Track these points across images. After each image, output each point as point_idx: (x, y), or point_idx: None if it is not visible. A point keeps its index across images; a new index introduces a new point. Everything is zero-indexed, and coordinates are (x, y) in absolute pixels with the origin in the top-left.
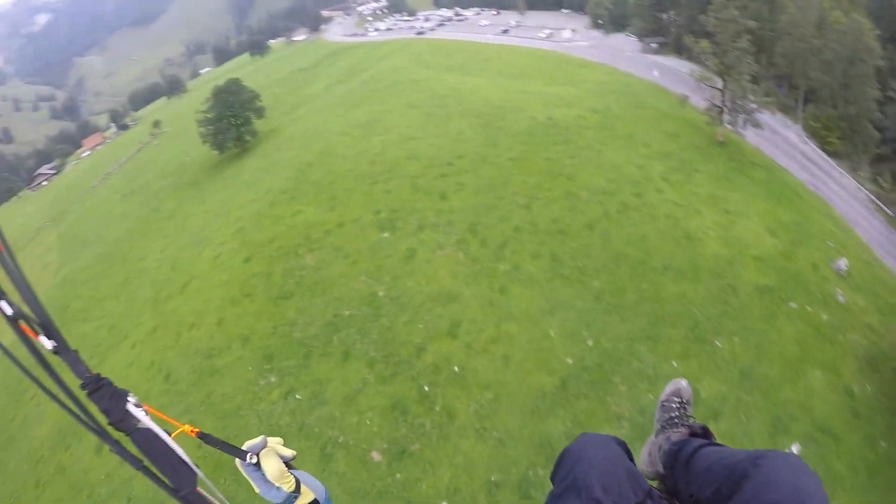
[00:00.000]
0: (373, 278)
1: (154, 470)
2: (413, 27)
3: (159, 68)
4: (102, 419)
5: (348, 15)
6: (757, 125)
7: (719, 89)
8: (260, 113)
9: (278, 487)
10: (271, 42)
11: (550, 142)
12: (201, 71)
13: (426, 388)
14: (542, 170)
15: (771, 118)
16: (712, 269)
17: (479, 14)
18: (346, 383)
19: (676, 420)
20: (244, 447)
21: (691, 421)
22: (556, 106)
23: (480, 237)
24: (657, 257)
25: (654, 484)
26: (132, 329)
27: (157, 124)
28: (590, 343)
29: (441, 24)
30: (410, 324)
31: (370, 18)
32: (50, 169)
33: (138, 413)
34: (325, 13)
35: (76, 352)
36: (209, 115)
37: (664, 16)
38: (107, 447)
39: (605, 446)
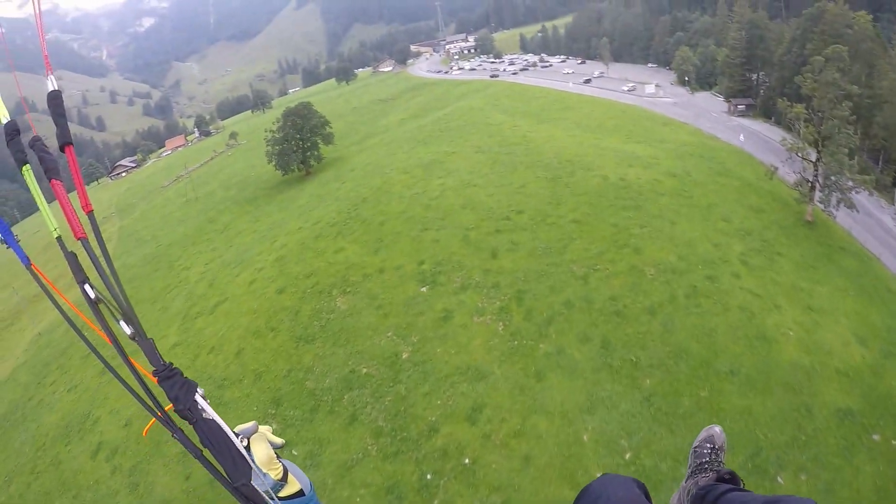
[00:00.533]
0: (400, 336)
1: (212, 460)
2: (497, 69)
3: (250, 82)
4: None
5: (436, 52)
6: (851, 206)
7: (812, 162)
8: (328, 139)
9: (265, 473)
10: (358, 71)
11: (620, 206)
12: (290, 90)
13: (429, 477)
14: (606, 237)
15: (865, 198)
16: (787, 381)
17: (564, 62)
18: (346, 449)
19: (706, 466)
20: (236, 430)
21: (721, 467)
22: (631, 166)
23: (526, 307)
24: (724, 358)
25: None
26: (155, 341)
27: (233, 135)
28: (628, 456)
29: (525, 69)
30: (429, 397)
31: (456, 57)
32: (131, 162)
33: (204, 404)
34: (413, 48)
35: (152, 340)
36: (277, 135)
37: (753, 76)
38: (103, 453)
39: (626, 487)
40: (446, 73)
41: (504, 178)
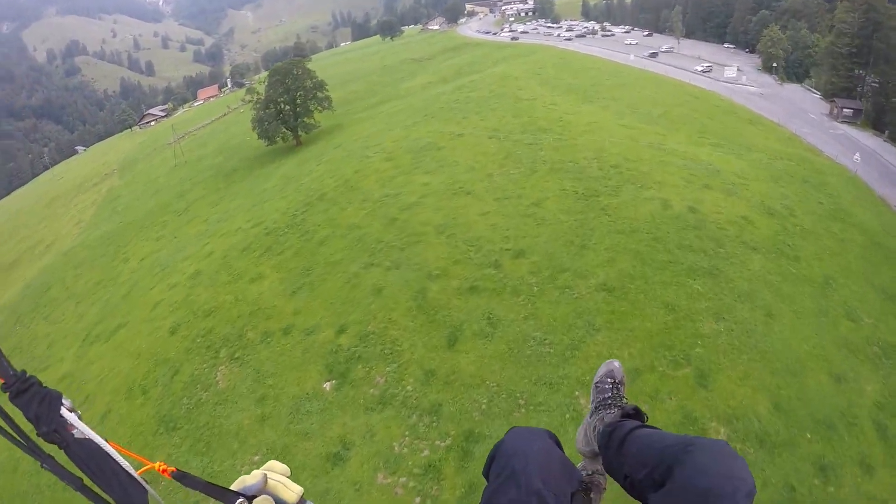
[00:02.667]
0: (275, 454)
1: (97, 490)
2: (550, 34)
3: (298, 33)
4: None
5: (492, 12)
6: None
7: None
8: (325, 104)
9: None
10: (406, 28)
11: (685, 265)
12: (343, 44)
13: None
14: (652, 333)
15: None
16: None
17: (628, 32)
18: None
19: (610, 401)
20: (235, 487)
21: (624, 402)
22: (708, 187)
23: (474, 474)
24: None
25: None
26: (41, 369)
27: (249, 91)
28: None
29: (582, 36)
30: None
31: (511, 19)
32: (161, 111)
33: (75, 420)
34: (469, 7)
35: None
36: (260, 97)
37: (861, 72)
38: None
39: (540, 438)
40: (495, 34)
41: (514, 184)
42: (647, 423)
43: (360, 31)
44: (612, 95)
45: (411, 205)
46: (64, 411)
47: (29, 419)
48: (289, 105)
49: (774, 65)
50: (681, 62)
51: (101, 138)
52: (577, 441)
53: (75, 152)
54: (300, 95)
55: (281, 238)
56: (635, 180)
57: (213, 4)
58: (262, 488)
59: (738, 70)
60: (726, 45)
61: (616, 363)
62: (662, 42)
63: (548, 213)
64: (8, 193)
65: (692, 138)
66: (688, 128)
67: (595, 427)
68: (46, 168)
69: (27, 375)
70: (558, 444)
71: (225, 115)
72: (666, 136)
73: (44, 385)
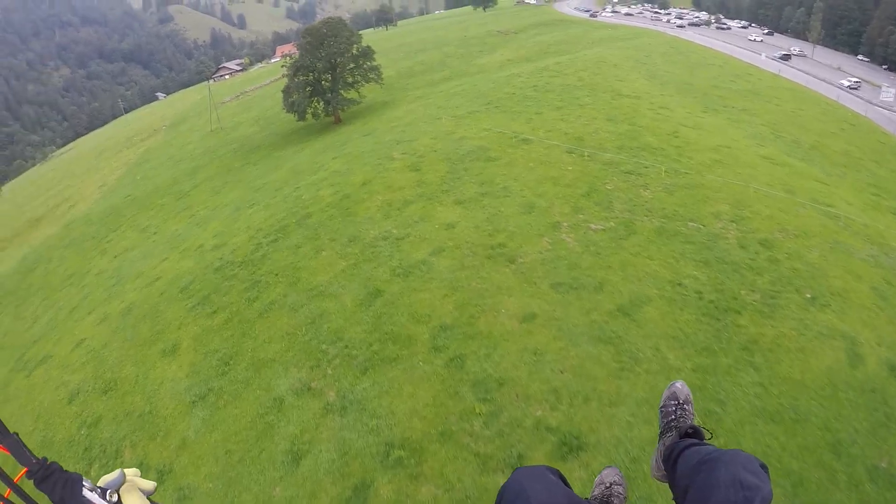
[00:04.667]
0: None
1: None
2: (658, 19)
3: None
4: None
5: None
6: None
7: None
8: (371, 76)
9: None
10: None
11: None
12: (436, 12)
13: None
14: None
15: None
16: None
17: (745, 27)
18: None
19: (673, 423)
20: (99, 484)
21: (685, 422)
22: None
23: None
24: None
25: None
26: None
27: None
28: None
29: (695, 25)
30: None
31: (615, 0)
32: (237, 65)
33: (96, 499)
34: None
35: (17, 434)
36: (295, 62)
37: None
38: None
39: (542, 478)
40: (595, 14)
41: (593, 254)
42: (700, 441)
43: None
44: (743, 106)
45: (412, 267)
46: (85, 492)
47: (54, 503)
48: (327, 74)
49: None
50: (818, 71)
51: (183, 86)
52: (651, 468)
53: (155, 98)
54: (340, 63)
55: (225, 284)
56: (801, 283)
57: None
58: (123, 481)
59: None
60: (859, 56)
61: (679, 383)
62: (786, 43)
63: (644, 342)
64: (88, 132)
65: (864, 197)
66: (853, 175)
67: (661, 451)
68: (127, 111)
69: (48, 462)
70: (563, 479)
71: (282, 77)
72: (829, 186)
73: (64, 469)
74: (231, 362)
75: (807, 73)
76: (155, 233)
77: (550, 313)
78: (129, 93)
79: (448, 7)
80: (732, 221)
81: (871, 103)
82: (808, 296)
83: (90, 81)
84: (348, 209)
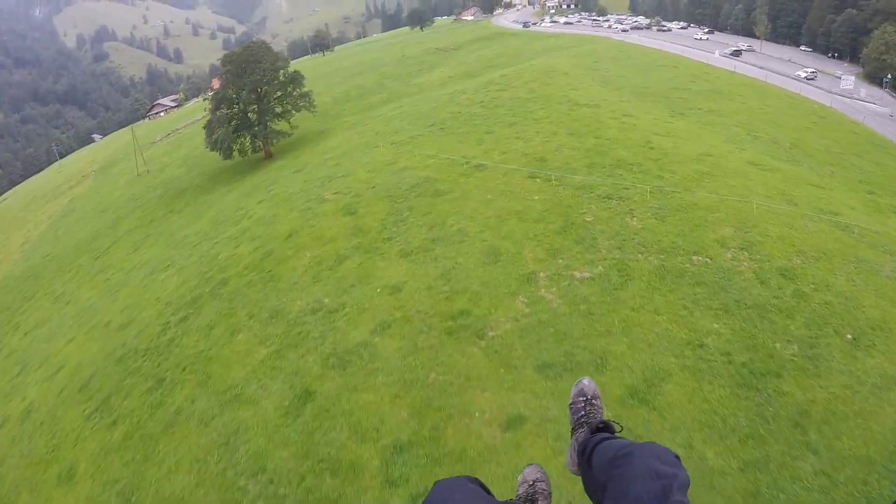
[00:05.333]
0: None
1: None
2: (599, 26)
3: (335, 24)
4: None
5: (530, 3)
6: None
7: None
8: (300, 103)
9: None
10: (439, 18)
11: None
12: (374, 35)
13: None
14: None
15: None
16: None
17: (684, 28)
18: None
19: (583, 419)
20: None
21: (595, 417)
22: None
23: None
24: None
25: None
26: None
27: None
28: None
29: (638, 29)
30: None
31: (552, 10)
32: (171, 101)
33: None
34: None
35: None
36: (216, 94)
37: None
38: None
39: (462, 488)
40: (534, 24)
41: (584, 314)
42: (612, 435)
43: (391, 21)
44: (709, 107)
45: (350, 353)
46: None
47: None
48: (253, 105)
49: (889, 77)
50: (772, 65)
51: (120, 126)
52: (566, 463)
53: (92, 140)
54: (266, 92)
55: (127, 382)
56: (837, 321)
57: None
58: None
59: (855, 81)
60: (802, 47)
61: (585, 380)
62: (729, 40)
63: (672, 438)
64: (23, 180)
65: (861, 197)
66: (842, 173)
67: (574, 447)
68: (62, 156)
69: None
70: (483, 487)
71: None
72: (825, 189)
73: None
74: (133, 500)
75: (761, 68)
76: (68, 302)
77: (542, 412)
78: (64, 136)
79: (385, 29)
80: (742, 249)
81: (831, 93)
82: (850, 337)
83: (24, 126)
84: (270, 272)
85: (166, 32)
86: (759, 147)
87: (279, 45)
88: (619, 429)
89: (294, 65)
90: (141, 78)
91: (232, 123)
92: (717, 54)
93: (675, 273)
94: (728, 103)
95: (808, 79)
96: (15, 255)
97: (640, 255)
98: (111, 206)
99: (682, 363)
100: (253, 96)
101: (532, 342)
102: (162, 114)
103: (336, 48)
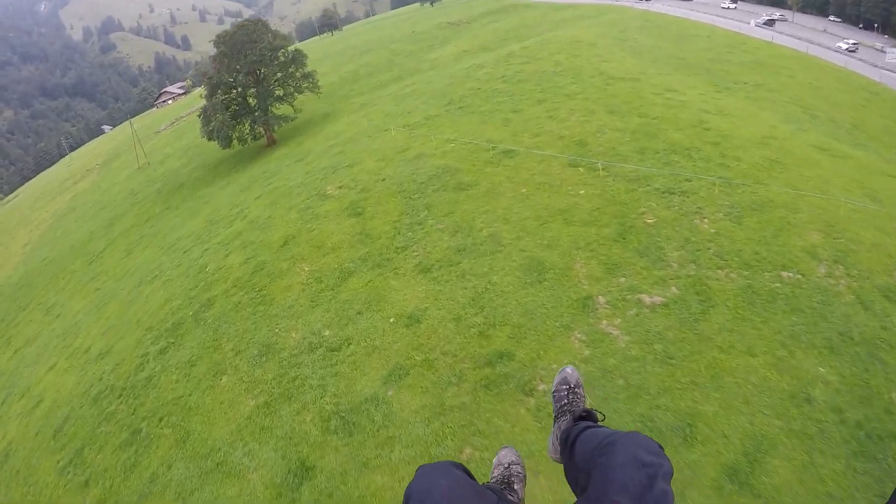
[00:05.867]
0: None
1: None
2: None
3: (343, 3)
4: None
5: None
6: None
7: None
8: (303, 85)
9: None
10: None
11: None
12: (383, 14)
13: None
14: None
15: None
16: None
17: None
18: None
19: (566, 407)
20: None
21: (578, 406)
22: None
23: None
24: None
25: None
26: None
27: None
28: None
29: None
30: None
31: None
32: (179, 88)
33: None
34: None
35: None
36: (211, 79)
37: None
38: None
39: (446, 473)
40: None
41: (663, 357)
42: (594, 424)
43: None
44: (755, 80)
45: (357, 412)
46: None
47: None
48: (252, 89)
49: None
50: (809, 35)
51: (130, 115)
52: (549, 451)
53: (102, 132)
54: (265, 75)
55: (101, 431)
56: None
57: None
58: None
59: None
60: (830, 17)
61: (569, 368)
62: (757, 9)
63: None
64: (36, 175)
65: None
66: None
67: (556, 435)
68: (73, 149)
69: None
70: (467, 473)
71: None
72: None
73: None
74: None
75: (799, 38)
76: (58, 315)
77: None
78: (74, 129)
79: (394, 7)
80: (836, 261)
81: (877, 66)
82: None
83: (35, 121)
84: (262, 291)
85: (173, 20)
86: (820, 128)
87: (287, 27)
88: (602, 417)
89: (301, 46)
90: (149, 67)
91: (230, 110)
92: (752, 24)
93: (766, 296)
94: (774, 77)
95: (849, 51)
96: (17, 257)
97: (719, 271)
98: (110, 202)
99: (788, 426)
100: (251, 79)
101: (598, 401)
102: (170, 101)
103: (344, 28)
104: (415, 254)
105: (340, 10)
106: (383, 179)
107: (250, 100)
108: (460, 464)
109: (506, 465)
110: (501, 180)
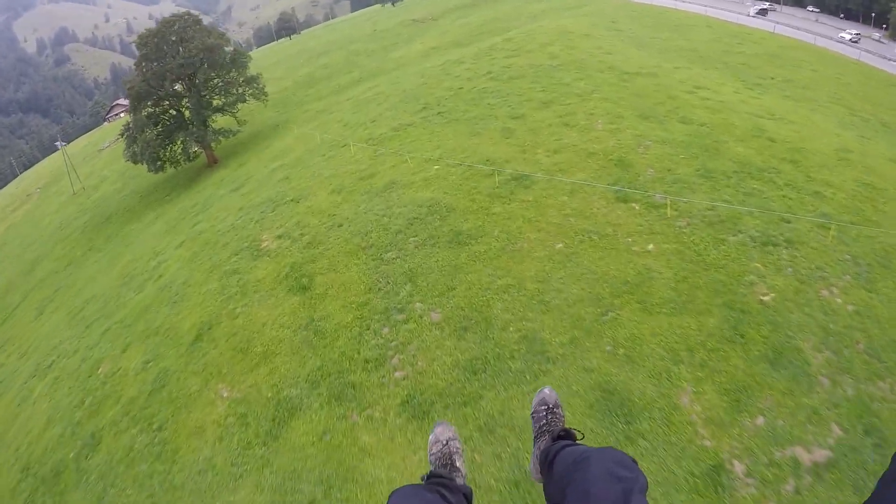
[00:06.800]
0: None
1: None
2: None
3: (302, 7)
4: None
5: None
6: None
7: None
8: (247, 92)
9: None
10: None
11: None
12: (343, 16)
13: None
14: None
15: None
16: None
17: None
18: None
19: (545, 428)
20: None
21: (557, 426)
22: None
23: None
24: None
25: None
26: None
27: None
28: None
29: None
30: None
31: None
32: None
33: None
34: None
35: None
36: (132, 90)
37: None
38: None
39: (419, 496)
40: None
41: None
42: (573, 442)
43: (360, 1)
44: (781, 75)
45: None
46: None
47: None
48: (183, 98)
49: None
50: (805, 26)
51: (85, 130)
52: (531, 471)
53: (56, 148)
54: (199, 81)
55: None
56: None
57: None
58: None
59: None
60: (808, 7)
61: (547, 389)
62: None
63: None
64: None
65: None
66: None
67: (537, 456)
68: (27, 168)
69: None
70: (440, 494)
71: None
72: None
73: None
74: None
75: (797, 29)
76: None
77: None
78: (28, 147)
79: (355, 9)
80: None
81: (888, 59)
82: None
83: None
84: (162, 430)
85: (129, 29)
86: (879, 135)
87: (246, 34)
88: (581, 436)
89: (258, 52)
90: (105, 78)
91: (159, 126)
92: (751, 13)
93: None
94: (796, 71)
95: (852, 41)
96: None
97: (881, 384)
98: (37, 238)
99: None
100: (179, 87)
101: None
102: (122, 115)
103: (303, 32)
104: (397, 376)
105: (300, 14)
106: (340, 225)
107: (185, 112)
108: (431, 486)
109: (444, 442)
110: (520, 225)
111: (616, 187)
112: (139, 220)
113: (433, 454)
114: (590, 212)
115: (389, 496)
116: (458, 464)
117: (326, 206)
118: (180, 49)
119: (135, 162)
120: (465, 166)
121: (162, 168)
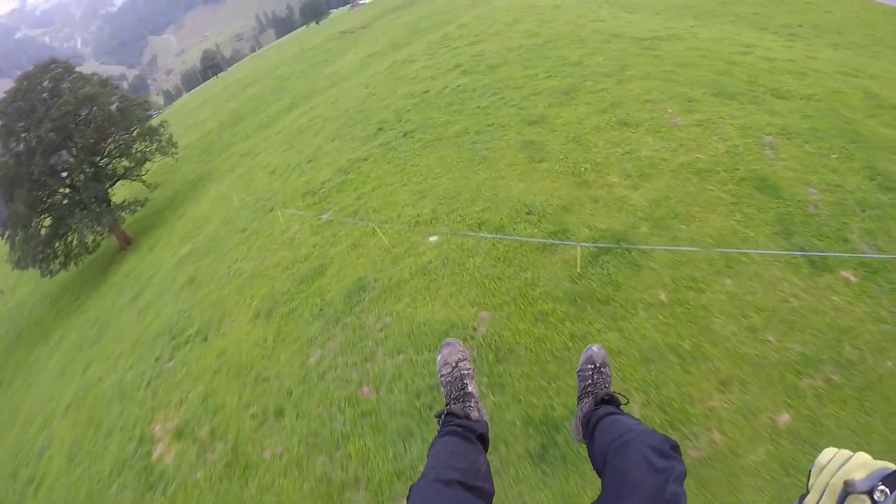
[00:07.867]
0: None
1: None
2: None
3: (227, 44)
4: None
5: None
6: None
7: None
8: (151, 147)
9: None
10: (333, 11)
11: None
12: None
13: None
14: None
15: None
16: None
17: None
18: None
19: (590, 388)
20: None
21: (602, 388)
22: None
23: None
24: None
25: None
26: None
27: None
28: None
29: None
30: None
31: None
32: None
33: None
34: None
35: None
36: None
37: None
38: None
39: (440, 496)
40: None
41: None
42: (616, 411)
43: (285, 26)
44: (801, 20)
45: None
46: None
47: None
48: (74, 171)
49: None
50: None
51: None
52: (572, 431)
53: None
54: (79, 143)
55: None
56: None
57: (132, 34)
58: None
59: None
60: None
61: (595, 347)
62: None
63: None
64: None
65: None
66: None
67: (579, 417)
68: None
69: None
70: (462, 483)
71: None
72: None
73: None
74: None
75: None
76: None
77: None
78: None
79: (280, 36)
80: None
81: None
82: None
83: None
84: None
85: None
86: None
87: (174, 80)
88: (625, 401)
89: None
90: None
91: (45, 215)
92: None
93: None
94: (812, 14)
95: None
96: None
97: None
98: None
99: None
100: (67, 157)
101: None
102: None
103: (230, 68)
104: None
105: (225, 50)
106: (278, 414)
107: (77, 183)
108: (452, 429)
109: (453, 364)
110: (688, 389)
111: (797, 251)
112: (46, 342)
113: (443, 376)
114: (793, 312)
115: (409, 490)
116: (470, 388)
117: (247, 356)
118: (50, 111)
119: (21, 268)
120: (492, 232)
121: (63, 267)
